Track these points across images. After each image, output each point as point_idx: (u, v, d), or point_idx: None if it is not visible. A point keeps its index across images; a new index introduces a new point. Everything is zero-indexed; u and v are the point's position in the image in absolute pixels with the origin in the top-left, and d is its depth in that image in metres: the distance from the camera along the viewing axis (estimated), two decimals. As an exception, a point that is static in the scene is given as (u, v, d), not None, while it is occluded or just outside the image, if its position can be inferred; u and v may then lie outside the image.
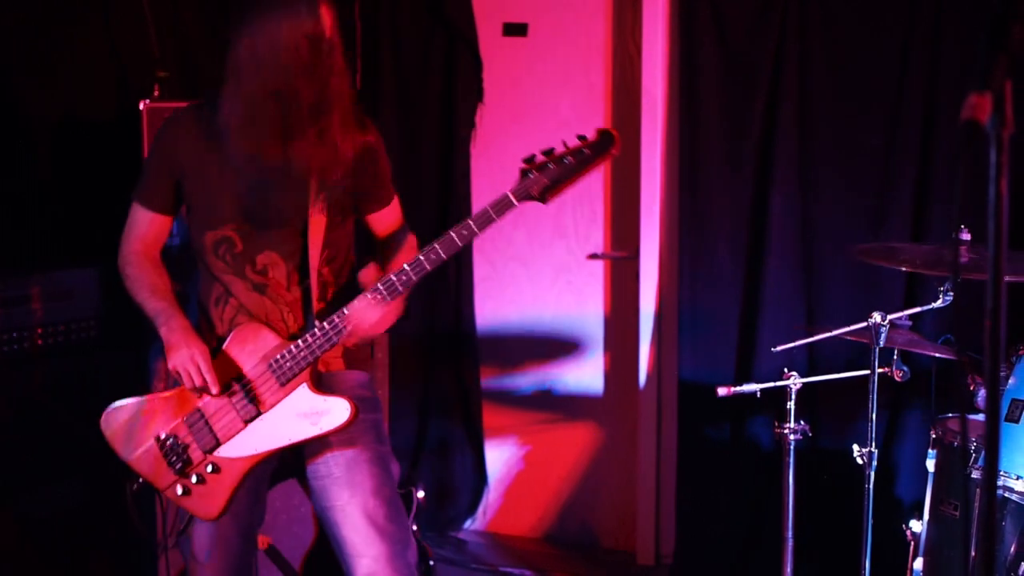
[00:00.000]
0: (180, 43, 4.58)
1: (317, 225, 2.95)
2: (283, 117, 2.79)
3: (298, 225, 2.95)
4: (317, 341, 2.89)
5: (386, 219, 3.16)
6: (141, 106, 4.01)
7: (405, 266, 2.85)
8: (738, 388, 3.62)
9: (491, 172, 4.99)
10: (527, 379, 5.16)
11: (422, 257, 2.84)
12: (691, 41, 4.50)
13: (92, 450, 3.81)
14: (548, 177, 2.81)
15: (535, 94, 4.98)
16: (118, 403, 3.01)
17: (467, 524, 5.27)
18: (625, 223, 4.89)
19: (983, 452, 3.21)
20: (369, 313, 2.87)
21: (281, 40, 2.76)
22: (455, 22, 4.93)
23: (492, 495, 5.25)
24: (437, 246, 2.83)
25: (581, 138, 2.82)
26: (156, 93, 4.15)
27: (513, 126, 5.00)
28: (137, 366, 4.01)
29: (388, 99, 5.04)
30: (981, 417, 3.38)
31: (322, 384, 2.97)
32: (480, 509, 5.26)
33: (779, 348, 3.66)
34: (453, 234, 2.83)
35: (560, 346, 5.08)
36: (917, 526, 3.58)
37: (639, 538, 4.89)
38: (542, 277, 5.08)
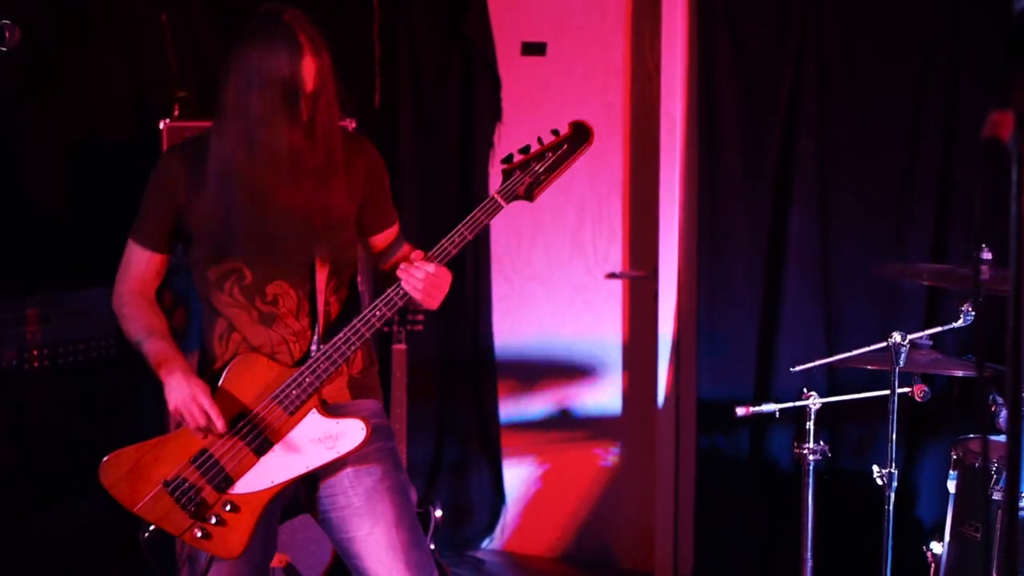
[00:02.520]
0: (199, 62, 4.58)
1: (323, 257, 2.91)
2: (271, 157, 2.79)
3: (307, 255, 2.91)
4: (322, 366, 2.84)
5: (388, 240, 3.12)
6: (161, 126, 4.02)
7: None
8: (757, 408, 3.60)
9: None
10: (545, 398, 5.15)
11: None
12: (709, 61, 4.50)
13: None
14: (531, 175, 2.87)
15: (553, 113, 4.97)
16: (114, 453, 2.90)
17: (485, 543, 5.25)
18: (643, 242, 4.88)
19: (1004, 473, 3.19)
20: (425, 275, 2.79)
21: (263, 84, 2.74)
22: (473, 42, 4.94)
23: (510, 514, 5.24)
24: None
25: (555, 133, 2.88)
26: (176, 113, 4.15)
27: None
28: (155, 384, 4.03)
29: (406, 118, 5.06)
30: (1003, 438, 3.36)
31: (332, 411, 2.91)
32: (498, 528, 5.25)
33: (798, 368, 3.64)
34: (446, 243, 2.83)
35: (578, 365, 5.07)
36: (938, 548, 3.56)
37: (657, 558, 4.87)
38: (560, 296, 5.08)
